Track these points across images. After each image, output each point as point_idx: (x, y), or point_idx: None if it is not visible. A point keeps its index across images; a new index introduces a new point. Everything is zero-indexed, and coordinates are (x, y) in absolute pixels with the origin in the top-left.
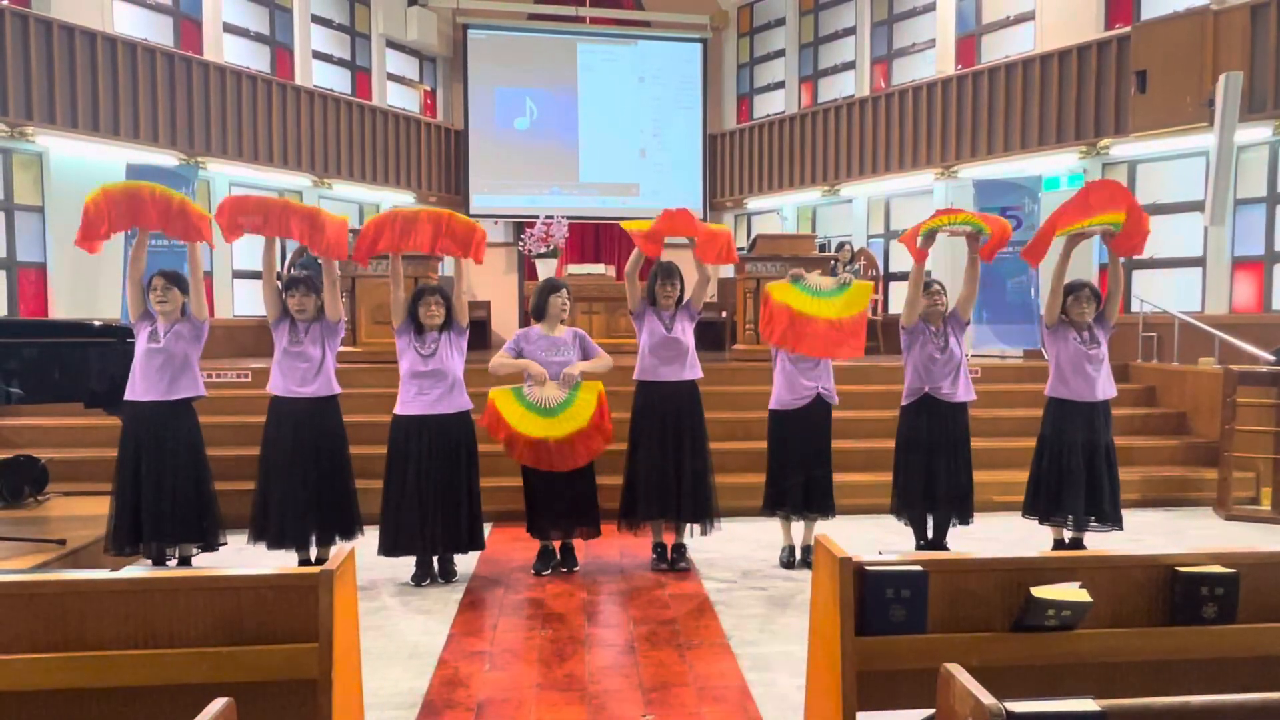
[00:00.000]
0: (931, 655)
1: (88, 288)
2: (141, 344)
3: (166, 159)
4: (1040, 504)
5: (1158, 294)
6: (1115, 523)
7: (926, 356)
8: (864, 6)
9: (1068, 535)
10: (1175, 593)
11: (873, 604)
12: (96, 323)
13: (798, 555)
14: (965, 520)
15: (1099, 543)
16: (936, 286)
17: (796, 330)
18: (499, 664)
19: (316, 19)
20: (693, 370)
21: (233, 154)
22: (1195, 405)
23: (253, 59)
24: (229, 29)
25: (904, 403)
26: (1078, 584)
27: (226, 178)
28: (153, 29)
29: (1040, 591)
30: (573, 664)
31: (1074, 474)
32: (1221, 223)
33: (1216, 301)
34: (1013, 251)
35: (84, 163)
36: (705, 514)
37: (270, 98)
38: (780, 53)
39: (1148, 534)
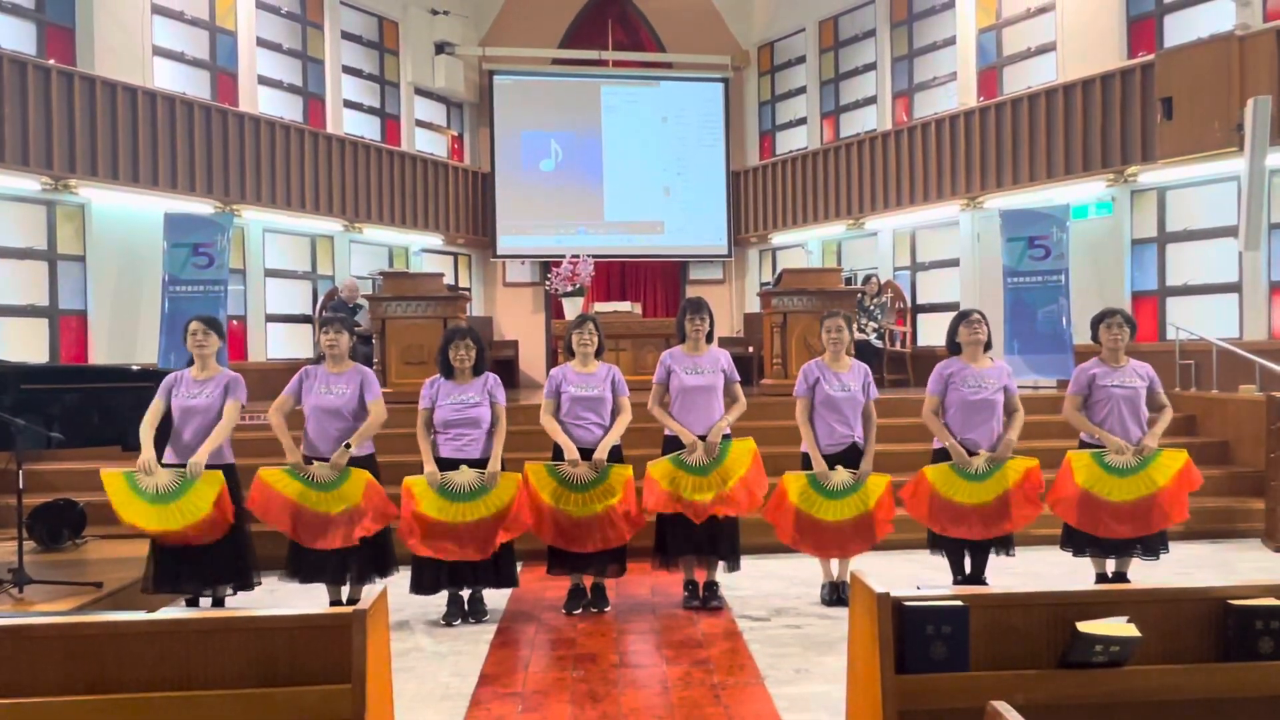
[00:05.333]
0: (975, 693)
1: (126, 334)
2: (179, 401)
3: (203, 207)
4: (1077, 536)
5: (1193, 321)
6: (1153, 552)
7: (961, 397)
8: (884, 42)
9: (1110, 568)
10: (1229, 627)
11: (913, 641)
12: (134, 367)
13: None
14: (1007, 551)
15: (1144, 576)
16: (977, 316)
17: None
18: (531, 705)
19: (347, 69)
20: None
21: (267, 201)
22: (1238, 434)
23: (286, 109)
24: (263, 81)
25: (936, 446)
26: (1125, 618)
27: (261, 224)
28: (190, 83)
29: (1087, 626)
30: (606, 705)
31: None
32: (1256, 247)
33: (1255, 327)
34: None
35: (124, 213)
36: (736, 551)
37: (303, 146)
38: (801, 89)
39: (1195, 567)
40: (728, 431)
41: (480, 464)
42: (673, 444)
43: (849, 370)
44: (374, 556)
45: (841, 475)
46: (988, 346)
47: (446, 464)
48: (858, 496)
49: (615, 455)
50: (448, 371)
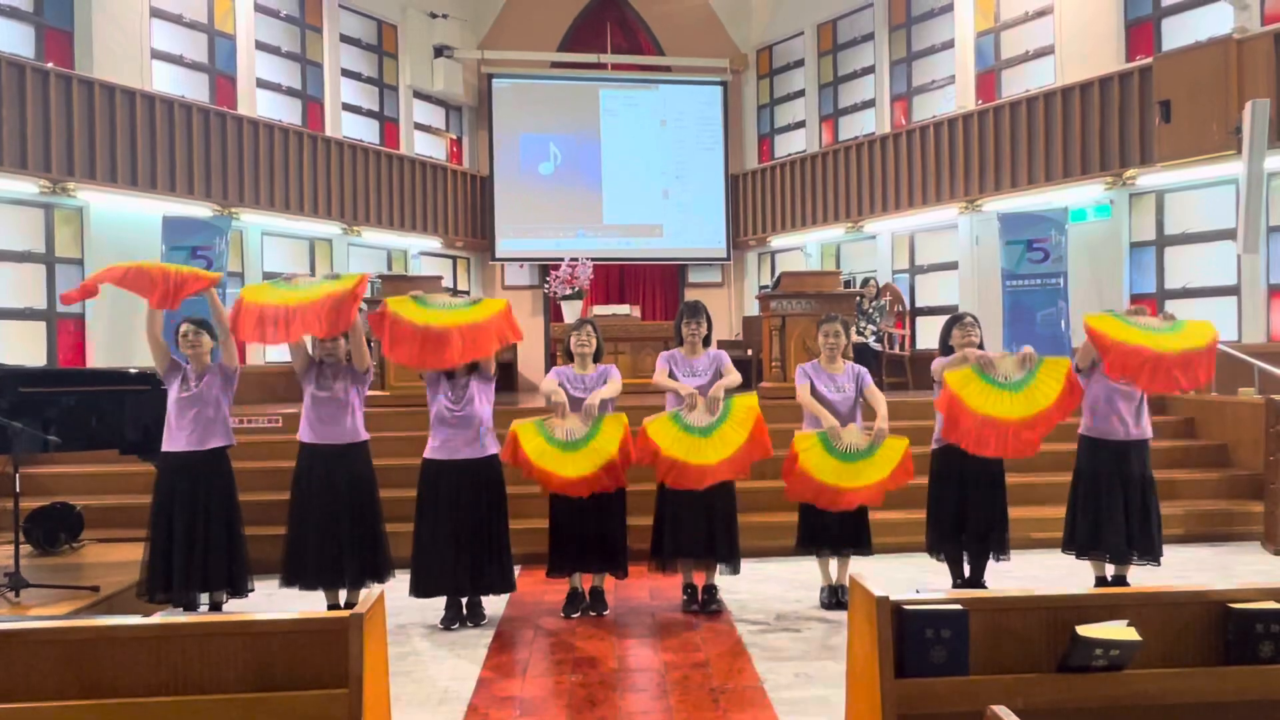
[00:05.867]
0: (975, 697)
1: (124, 337)
2: (173, 394)
3: (202, 210)
4: (1078, 538)
5: None
6: (1152, 556)
7: None
8: (882, 46)
9: (1109, 572)
10: (1229, 630)
11: (912, 645)
12: (132, 370)
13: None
14: (1001, 555)
15: (1144, 579)
16: (970, 319)
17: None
18: (529, 709)
19: (346, 72)
20: None
21: (265, 204)
22: (1236, 437)
23: (285, 112)
24: (262, 84)
25: (934, 446)
26: (1125, 622)
27: (259, 228)
28: (189, 86)
29: (1086, 630)
30: (604, 709)
31: (1112, 508)
32: (1255, 250)
33: (1254, 330)
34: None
35: (123, 216)
36: (735, 554)
37: (301, 149)
38: (800, 93)
39: (1195, 570)
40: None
41: (473, 464)
42: None
43: (843, 372)
44: (369, 562)
45: (854, 435)
46: (980, 349)
47: (443, 465)
48: (872, 462)
49: None
50: (449, 373)
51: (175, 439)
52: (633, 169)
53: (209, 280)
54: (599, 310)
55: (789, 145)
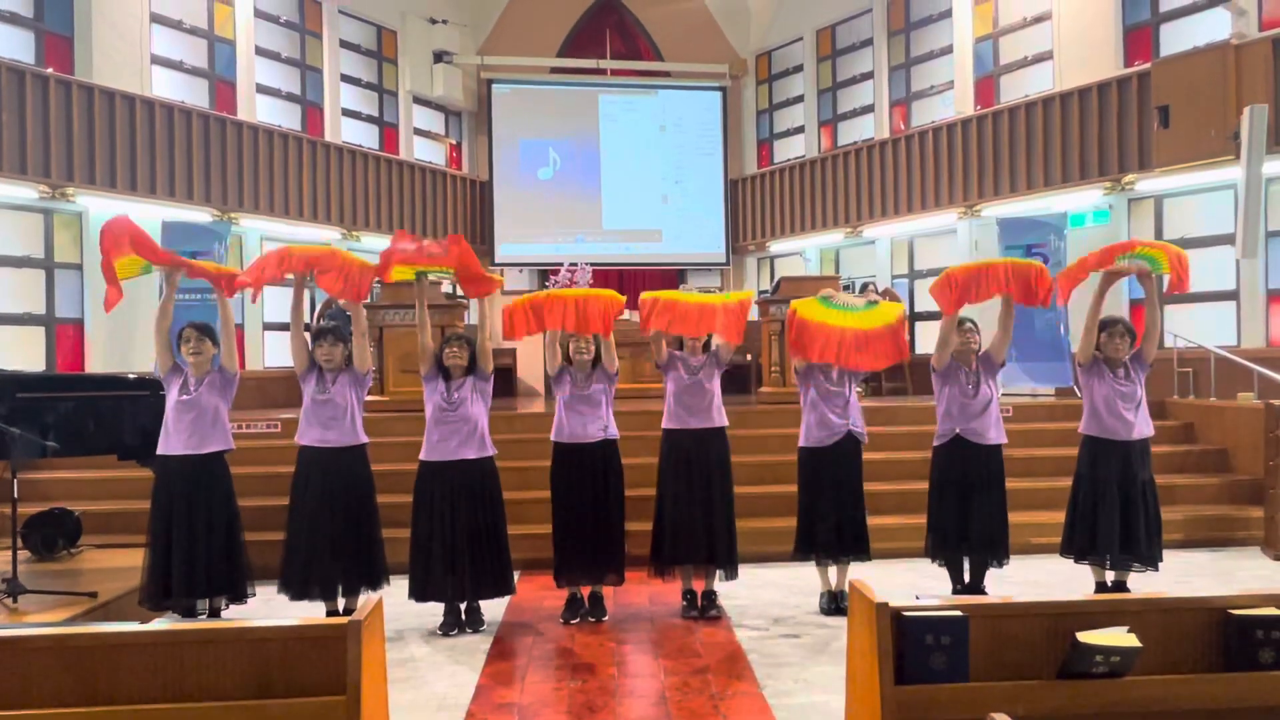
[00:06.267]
0: (975, 704)
1: (123, 342)
2: (172, 397)
3: (201, 215)
4: (1076, 542)
5: (1191, 328)
6: (1151, 562)
7: (957, 397)
8: (881, 51)
9: (1110, 578)
10: (1229, 637)
11: (912, 651)
12: (130, 376)
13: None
14: (1000, 562)
15: (1144, 585)
16: (969, 325)
17: (824, 340)
18: (528, 716)
19: (346, 78)
20: (719, 417)
21: (264, 209)
22: (1236, 441)
23: (284, 117)
24: (261, 89)
25: (936, 444)
26: (1126, 628)
27: (259, 232)
28: (189, 91)
29: (1087, 637)
30: (603, 716)
31: (1110, 512)
32: (1254, 255)
33: (1253, 335)
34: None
35: None
36: (734, 559)
37: (301, 154)
38: (799, 98)
39: (1195, 575)
40: None
41: (469, 465)
42: (672, 440)
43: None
44: (365, 569)
45: (850, 296)
46: (978, 353)
47: (439, 466)
48: (875, 313)
49: (611, 449)
50: (445, 375)
51: (173, 443)
52: (632, 174)
53: (225, 274)
54: None
55: (788, 150)
